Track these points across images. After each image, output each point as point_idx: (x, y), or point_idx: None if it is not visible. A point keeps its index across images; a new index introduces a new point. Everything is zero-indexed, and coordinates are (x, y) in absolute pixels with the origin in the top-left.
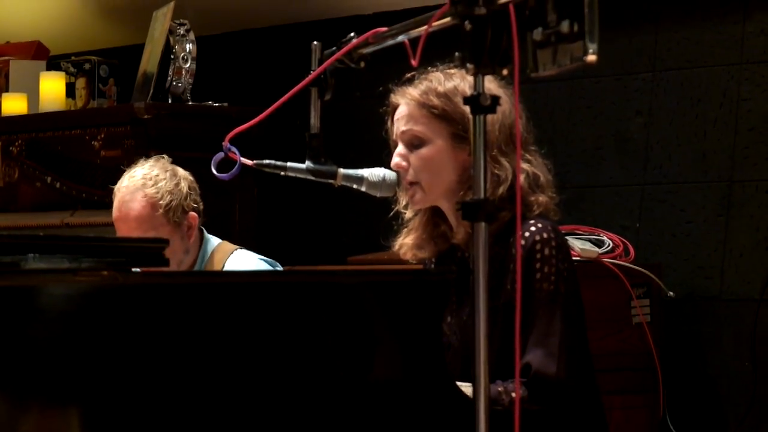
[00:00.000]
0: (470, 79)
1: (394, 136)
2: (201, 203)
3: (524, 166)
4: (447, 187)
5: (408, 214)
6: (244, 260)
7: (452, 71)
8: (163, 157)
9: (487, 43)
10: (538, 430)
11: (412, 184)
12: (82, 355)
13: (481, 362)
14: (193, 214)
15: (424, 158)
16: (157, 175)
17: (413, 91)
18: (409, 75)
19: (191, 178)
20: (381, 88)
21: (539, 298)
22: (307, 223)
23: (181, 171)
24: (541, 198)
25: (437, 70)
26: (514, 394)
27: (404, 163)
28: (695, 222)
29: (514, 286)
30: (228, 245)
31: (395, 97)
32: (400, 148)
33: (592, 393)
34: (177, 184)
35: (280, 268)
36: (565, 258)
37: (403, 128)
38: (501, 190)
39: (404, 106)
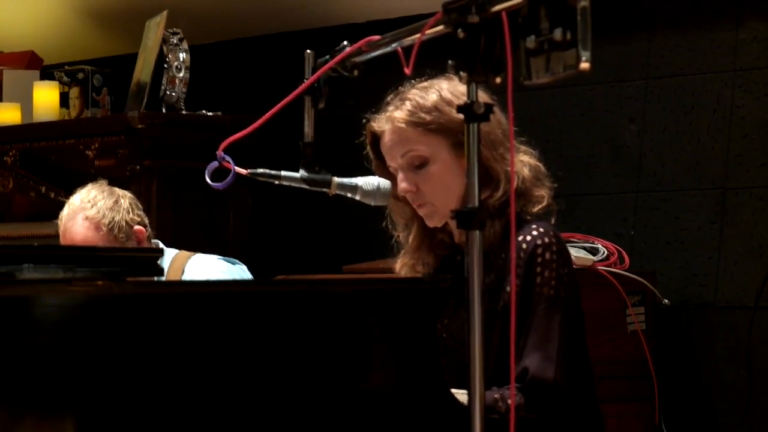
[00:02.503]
0: (445, 85)
1: (389, 162)
2: (145, 217)
3: (525, 158)
4: (459, 196)
5: (401, 236)
6: (203, 262)
7: (424, 84)
8: (100, 180)
9: (480, 51)
10: None
11: (424, 204)
12: (76, 365)
13: (477, 372)
14: (138, 227)
15: (432, 177)
16: (95, 197)
17: (400, 114)
18: (385, 102)
19: (131, 195)
20: (364, 120)
21: (538, 302)
22: (302, 231)
23: (118, 189)
24: (544, 192)
25: (410, 87)
26: (510, 401)
27: (412, 187)
28: (689, 229)
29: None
30: (185, 253)
31: (378, 125)
32: (402, 174)
33: (590, 401)
34: (116, 201)
35: (241, 265)
36: (565, 263)
37: (401, 152)
38: (516, 183)
39: (394, 132)
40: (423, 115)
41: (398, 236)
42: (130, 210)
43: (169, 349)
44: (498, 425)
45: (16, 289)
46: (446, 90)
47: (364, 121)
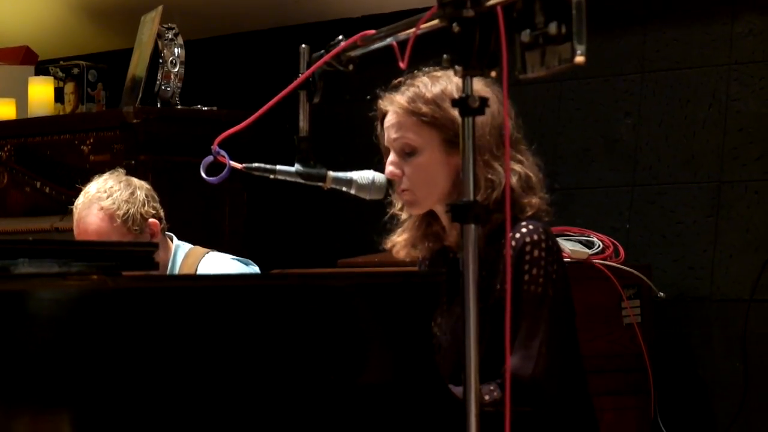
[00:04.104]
0: (457, 80)
1: (386, 143)
2: (161, 209)
3: (516, 167)
4: (442, 193)
5: (404, 215)
6: (216, 261)
7: (438, 74)
8: (118, 170)
9: (475, 45)
10: (526, 430)
11: (406, 191)
12: (72, 359)
13: (471, 365)
14: (153, 220)
15: (418, 167)
16: (111, 187)
17: (401, 99)
18: (396, 81)
19: (148, 186)
20: (369, 97)
21: (526, 300)
22: (297, 226)
23: (135, 180)
24: (534, 200)
25: (423, 74)
26: (487, 397)
27: (398, 171)
28: (685, 223)
29: (503, 287)
30: (200, 249)
31: (383, 104)
32: (393, 157)
33: (581, 395)
34: (132, 193)
35: (254, 266)
36: (554, 260)
37: (394, 136)
38: (495, 194)
39: (393, 114)
40: (420, 105)
41: (396, 211)
42: (146, 202)
43: (165, 343)
44: (490, 420)
45: (11, 284)
46: (453, 84)
47: (376, 92)
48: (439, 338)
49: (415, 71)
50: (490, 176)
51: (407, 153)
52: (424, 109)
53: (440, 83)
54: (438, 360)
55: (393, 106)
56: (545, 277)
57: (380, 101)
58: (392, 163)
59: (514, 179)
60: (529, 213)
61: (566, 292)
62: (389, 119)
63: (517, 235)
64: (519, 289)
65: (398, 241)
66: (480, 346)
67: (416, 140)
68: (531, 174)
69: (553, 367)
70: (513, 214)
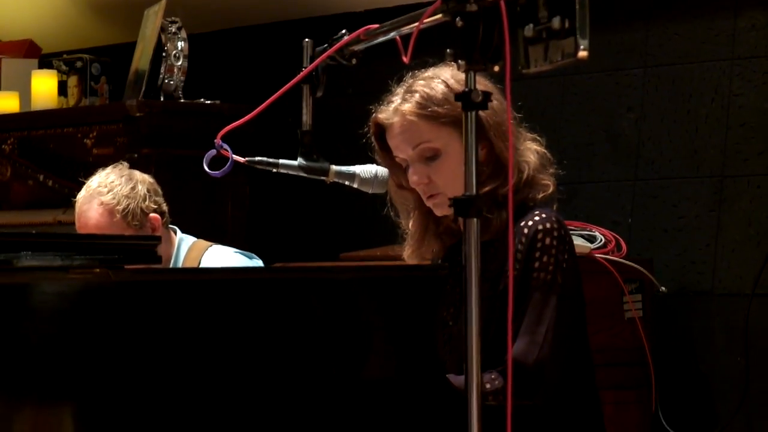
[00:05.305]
0: (447, 73)
1: (400, 155)
2: (164, 204)
3: (534, 146)
4: None
5: (405, 224)
6: (219, 255)
7: (427, 73)
8: (122, 164)
9: (478, 39)
10: (530, 422)
11: (436, 195)
12: (75, 353)
13: (473, 359)
14: (154, 215)
15: (446, 169)
16: (112, 182)
17: (409, 107)
18: (388, 95)
19: (150, 180)
20: (370, 108)
21: (535, 287)
22: (300, 220)
23: (138, 174)
24: (546, 179)
25: (414, 79)
26: (488, 385)
27: (425, 180)
28: (687, 217)
29: (515, 273)
30: (203, 242)
31: (386, 116)
32: (414, 167)
33: (588, 387)
34: (133, 188)
35: (258, 260)
36: (565, 250)
37: (412, 146)
38: (524, 175)
39: (403, 125)
40: (435, 108)
41: (401, 223)
42: (147, 197)
43: (168, 336)
44: (493, 411)
45: (13, 277)
46: (452, 80)
47: (372, 114)
48: (450, 328)
49: (404, 78)
50: (520, 159)
51: (428, 157)
52: (440, 110)
53: (439, 82)
54: (448, 349)
55: (400, 116)
56: (555, 265)
57: (380, 115)
58: (416, 173)
59: (533, 157)
60: (543, 195)
61: (576, 282)
62: (397, 131)
63: (530, 223)
64: (528, 276)
65: (412, 252)
66: (488, 333)
67: (437, 142)
68: (544, 150)
69: (557, 354)
70: (530, 194)
